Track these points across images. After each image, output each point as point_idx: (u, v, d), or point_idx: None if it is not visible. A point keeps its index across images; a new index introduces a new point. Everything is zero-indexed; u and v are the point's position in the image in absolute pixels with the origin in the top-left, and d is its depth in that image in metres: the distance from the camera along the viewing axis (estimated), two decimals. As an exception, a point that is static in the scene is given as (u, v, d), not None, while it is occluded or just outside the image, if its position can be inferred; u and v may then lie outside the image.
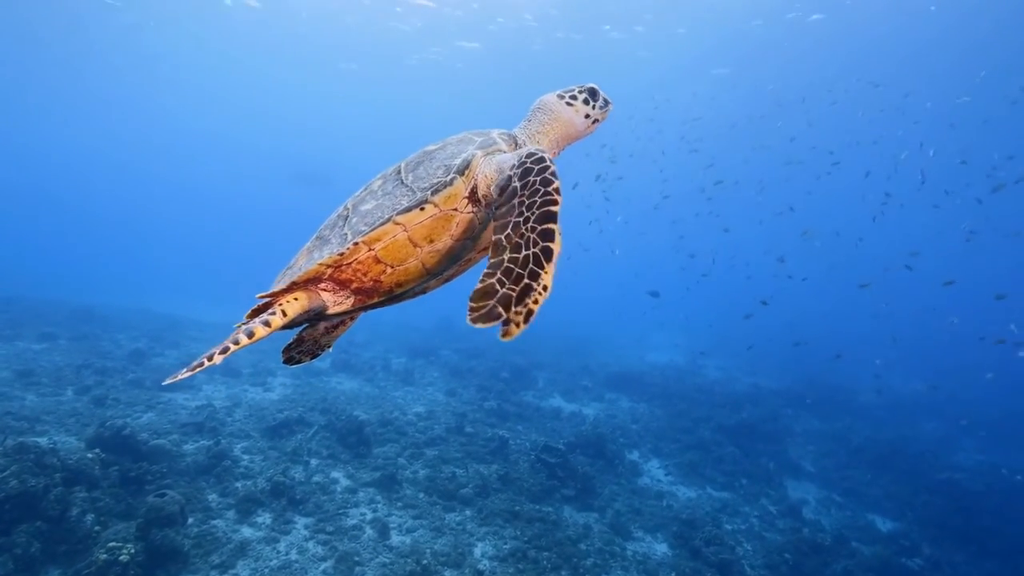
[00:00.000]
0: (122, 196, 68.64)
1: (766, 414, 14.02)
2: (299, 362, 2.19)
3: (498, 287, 1.23)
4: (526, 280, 1.23)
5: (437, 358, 16.91)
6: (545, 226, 1.30)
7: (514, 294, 1.21)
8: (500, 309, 1.19)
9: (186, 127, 45.55)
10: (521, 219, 1.34)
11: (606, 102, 1.91)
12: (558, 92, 1.89)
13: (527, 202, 1.36)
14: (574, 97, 1.87)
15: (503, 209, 1.42)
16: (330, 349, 2.25)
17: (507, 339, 1.18)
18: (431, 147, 1.82)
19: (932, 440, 14.26)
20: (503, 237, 1.34)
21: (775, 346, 24.22)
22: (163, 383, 1.58)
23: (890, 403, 17.89)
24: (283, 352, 2.15)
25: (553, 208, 1.33)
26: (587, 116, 1.89)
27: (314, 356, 2.21)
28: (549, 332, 26.30)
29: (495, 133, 1.81)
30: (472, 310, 1.21)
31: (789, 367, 20.87)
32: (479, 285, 1.25)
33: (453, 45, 26.86)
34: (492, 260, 1.30)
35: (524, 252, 1.27)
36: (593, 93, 1.88)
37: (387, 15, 25.14)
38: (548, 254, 1.26)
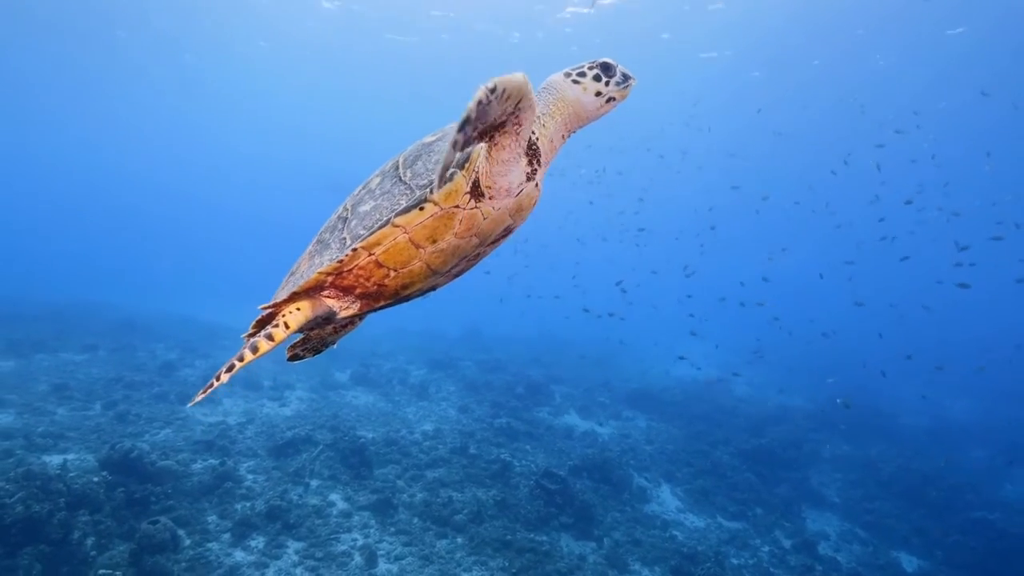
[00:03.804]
0: (174, 207, 72.82)
1: (791, 437, 13.44)
2: (302, 358, 2.21)
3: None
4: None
5: (456, 370, 17.05)
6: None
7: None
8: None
9: (232, 146, 48.33)
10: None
11: (625, 77, 1.74)
12: (566, 70, 1.75)
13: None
14: (582, 74, 1.72)
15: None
16: (335, 346, 2.26)
17: None
18: (429, 138, 1.76)
19: (975, 471, 13.31)
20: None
21: (812, 361, 23.23)
22: (187, 405, 1.66)
23: (934, 428, 16.84)
24: (288, 350, 2.16)
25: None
26: (598, 94, 1.72)
27: (317, 352, 2.23)
28: (575, 342, 26.08)
29: None
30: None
31: (825, 385, 19.94)
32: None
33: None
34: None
35: None
36: (607, 68, 1.72)
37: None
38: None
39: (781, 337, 18.56)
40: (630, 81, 1.75)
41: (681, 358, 15.41)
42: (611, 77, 1.72)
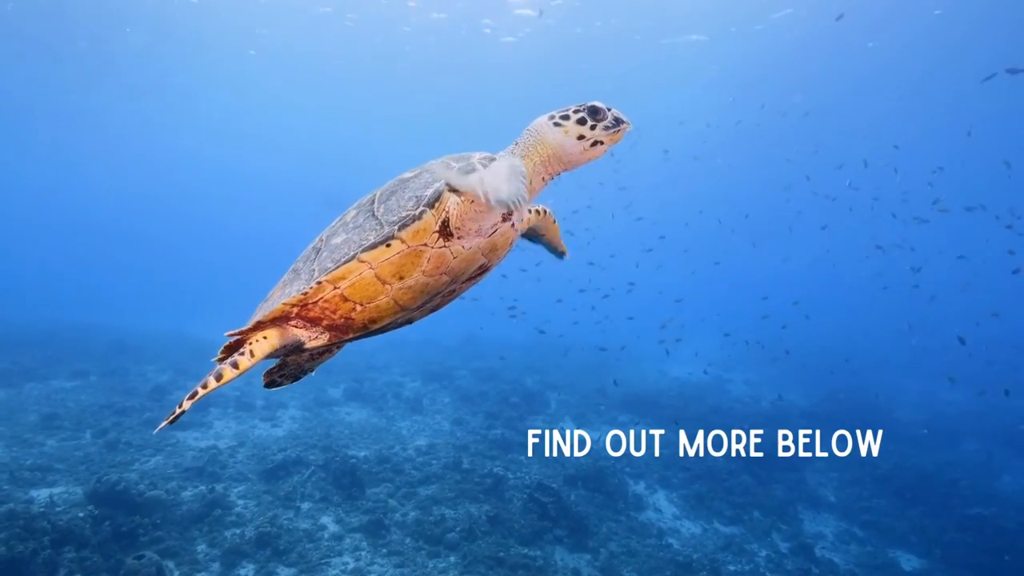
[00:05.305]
0: (164, 222, 72.92)
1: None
2: (280, 385, 2.19)
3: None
4: None
5: (451, 381, 17.00)
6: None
7: None
8: None
9: (219, 159, 48.48)
10: None
11: (617, 121, 1.67)
12: (551, 112, 1.71)
13: None
14: (565, 117, 1.67)
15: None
16: (312, 373, 2.25)
17: None
18: (407, 174, 1.75)
19: (971, 464, 13.30)
20: None
21: (808, 357, 23.17)
22: (153, 432, 1.68)
23: (931, 421, 16.80)
24: (264, 376, 2.15)
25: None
26: (581, 138, 1.65)
27: (296, 379, 2.21)
28: (572, 347, 25.98)
29: (476, 157, 1.69)
30: None
31: (821, 381, 19.93)
32: None
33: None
34: None
35: None
36: (594, 112, 1.65)
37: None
38: None
39: (772, 336, 18.58)
40: (622, 126, 1.68)
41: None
42: (599, 121, 1.66)
